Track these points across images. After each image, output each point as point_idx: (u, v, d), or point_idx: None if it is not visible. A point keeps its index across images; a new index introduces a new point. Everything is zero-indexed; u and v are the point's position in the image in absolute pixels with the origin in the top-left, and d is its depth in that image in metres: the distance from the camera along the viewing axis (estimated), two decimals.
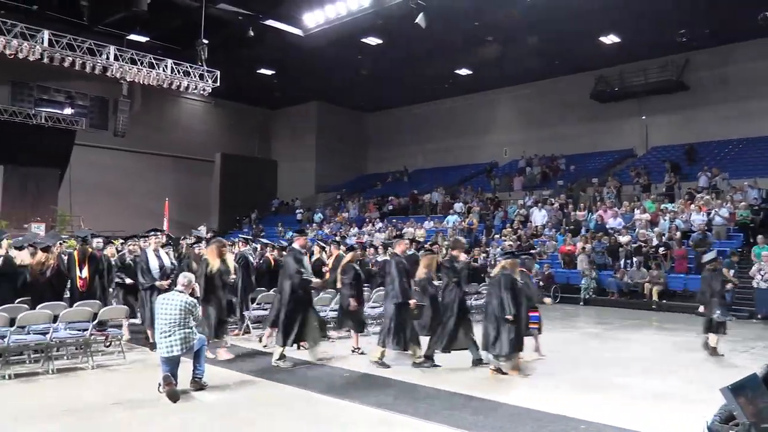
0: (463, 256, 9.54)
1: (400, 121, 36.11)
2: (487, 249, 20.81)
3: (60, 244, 11.27)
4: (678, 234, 17.95)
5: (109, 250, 11.28)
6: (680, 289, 16.84)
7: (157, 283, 9.38)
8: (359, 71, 28.28)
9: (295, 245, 9.19)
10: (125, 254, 10.69)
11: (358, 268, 10.14)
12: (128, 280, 10.18)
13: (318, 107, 36.13)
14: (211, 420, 6.25)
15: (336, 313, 10.70)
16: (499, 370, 8.20)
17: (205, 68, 21.43)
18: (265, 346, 9.89)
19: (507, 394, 7.20)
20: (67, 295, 9.96)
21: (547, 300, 10.81)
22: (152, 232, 10.31)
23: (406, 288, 8.58)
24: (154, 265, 9.44)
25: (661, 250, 17.56)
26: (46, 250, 9.52)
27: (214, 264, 9.02)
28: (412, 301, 8.55)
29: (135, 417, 6.30)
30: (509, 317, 7.93)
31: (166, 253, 10.09)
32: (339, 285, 10.08)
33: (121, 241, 13.61)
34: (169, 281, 9.32)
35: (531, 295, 8.97)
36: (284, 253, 14.01)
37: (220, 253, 9.18)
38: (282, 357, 8.61)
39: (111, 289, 10.73)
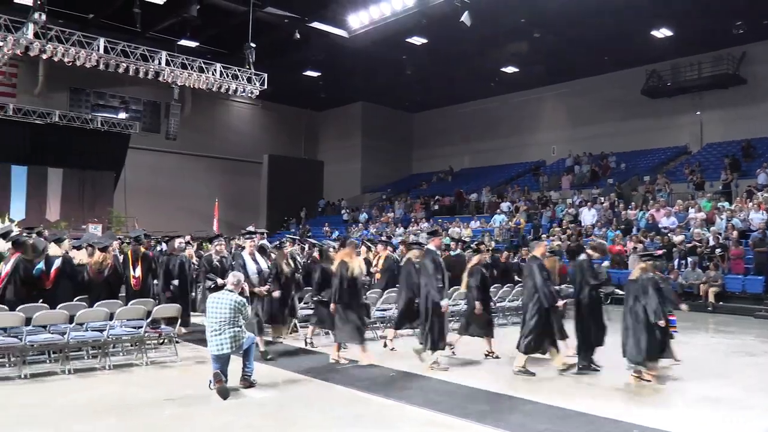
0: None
1: (445, 121, 35.92)
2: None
3: (120, 243, 11.48)
4: (735, 233, 17.31)
5: (189, 252, 11.25)
6: (738, 290, 16.23)
7: (256, 289, 8.99)
8: (404, 71, 28.29)
9: (431, 246, 8.84)
10: (212, 255, 10.22)
11: (485, 270, 9.88)
12: (221, 281, 9.80)
13: (363, 108, 36.31)
14: (259, 417, 6.36)
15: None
16: (639, 377, 7.92)
17: (252, 71, 21.79)
18: (393, 349, 9.75)
19: (558, 398, 7.08)
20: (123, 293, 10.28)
21: (684, 306, 10.26)
22: (248, 235, 9.88)
23: (550, 291, 8.23)
24: (252, 269, 9.06)
25: (717, 250, 16.96)
26: (104, 250, 9.84)
27: (354, 266, 8.84)
28: (560, 302, 8.29)
29: (187, 413, 6.47)
30: (662, 322, 7.69)
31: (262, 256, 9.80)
32: (464, 287, 9.78)
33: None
34: (268, 286, 9.10)
35: (670, 298, 8.65)
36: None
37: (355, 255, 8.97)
38: (436, 361, 8.56)
39: (193, 293, 10.61)
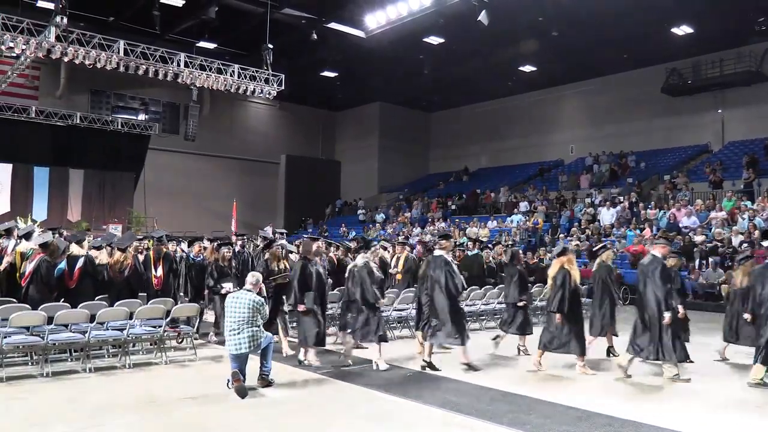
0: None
1: (462, 120, 35.82)
2: (553, 249, 20.32)
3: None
4: (756, 233, 17.03)
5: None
6: None
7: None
8: (421, 71, 28.27)
9: (657, 253, 8.16)
10: (370, 263, 8.90)
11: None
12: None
13: (380, 108, 36.33)
14: (277, 416, 6.39)
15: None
16: None
17: (270, 72, 21.92)
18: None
19: (577, 399, 7.02)
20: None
21: None
22: (445, 237, 9.03)
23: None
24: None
25: (744, 245, 16.63)
26: (123, 250, 9.95)
27: (576, 274, 8.47)
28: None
29: (207, 411, 6.52)
30: None
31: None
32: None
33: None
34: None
35: None
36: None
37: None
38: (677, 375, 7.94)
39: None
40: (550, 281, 8.58)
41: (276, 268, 9.72)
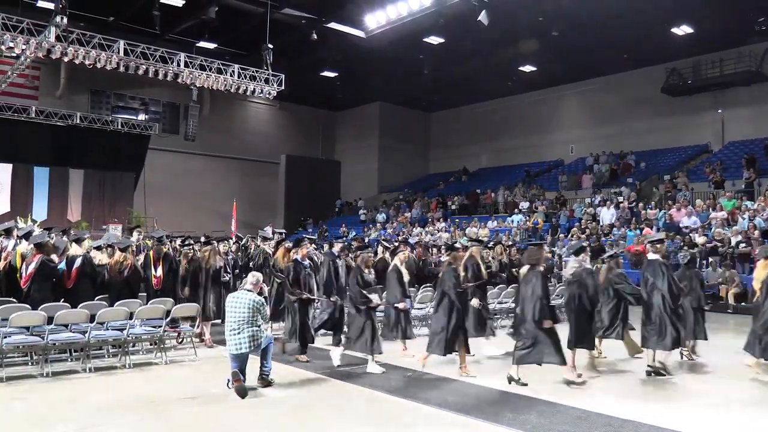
0: None
1: (462, 120, 35.81)
2: (553, 249, 20.34)
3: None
4: (756, 233, 17.03)
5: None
6: None
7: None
8: (421, 71, 28.26)
9: None
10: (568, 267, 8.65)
11: None
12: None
13: (380, 108, 36.33)
14: (277, 416, 6.39)
15: None
16: None
17: (270, 72, 21.92)
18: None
19: (575, 398, 7.03)
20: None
21: None
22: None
23: None
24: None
25: (741, 246, 16.64)
26: (124, 250, 9.95)
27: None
28: None
29: (206, 411, 6.52)
30: None
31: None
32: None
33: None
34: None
35: None
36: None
37: None
38: None
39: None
40: (758, 284, 8.25)
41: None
